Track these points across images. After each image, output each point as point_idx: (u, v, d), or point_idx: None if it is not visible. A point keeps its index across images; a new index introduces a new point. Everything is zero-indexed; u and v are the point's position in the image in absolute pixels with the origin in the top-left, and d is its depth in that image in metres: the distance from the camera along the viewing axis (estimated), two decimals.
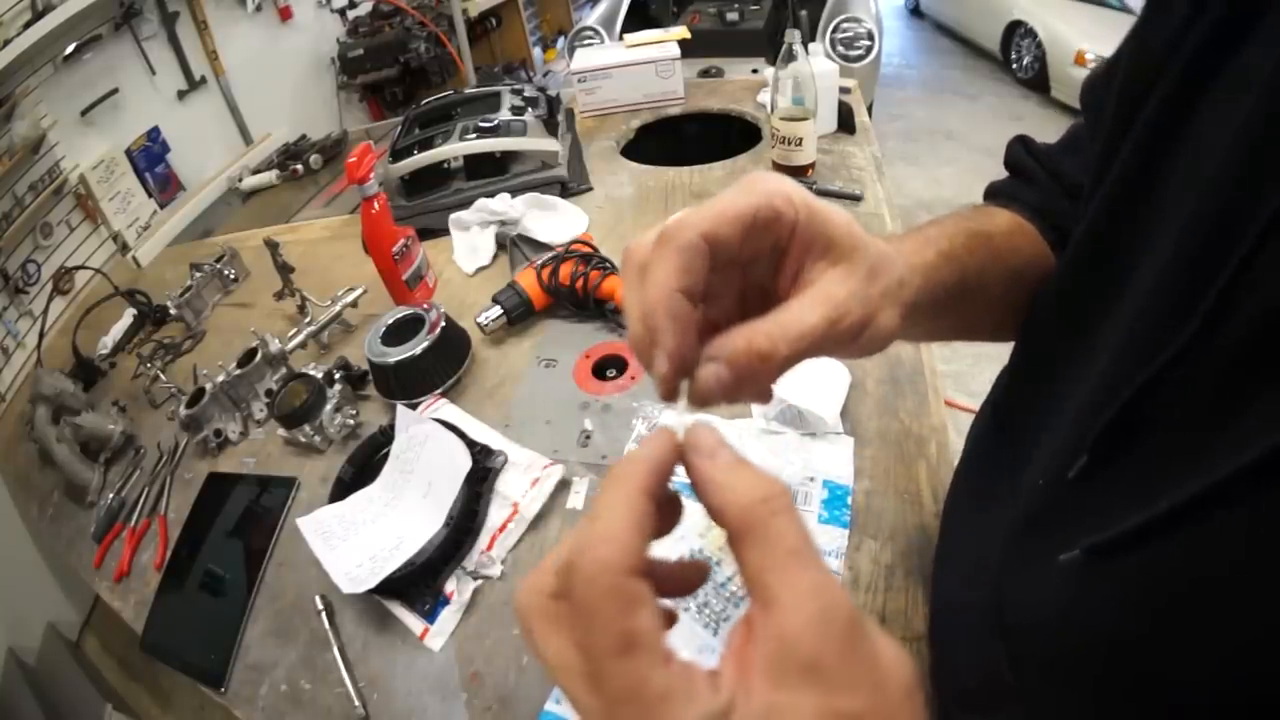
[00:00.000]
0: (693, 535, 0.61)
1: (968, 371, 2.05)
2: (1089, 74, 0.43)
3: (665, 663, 0.19)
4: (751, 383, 0.25)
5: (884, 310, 0.28)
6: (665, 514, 0.23)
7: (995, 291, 0.40)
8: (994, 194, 0.48)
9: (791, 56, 0.98)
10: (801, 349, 0.25)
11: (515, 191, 1.11)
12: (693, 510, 0.69)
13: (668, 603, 0.23)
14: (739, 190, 0.25)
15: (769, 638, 0.18)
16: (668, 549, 0.60)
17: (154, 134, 1.55)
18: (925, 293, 0.33)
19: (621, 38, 1.44)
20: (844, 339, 0.26)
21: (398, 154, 1.17)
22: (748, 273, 0.28)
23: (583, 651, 0.20)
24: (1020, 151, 0.48)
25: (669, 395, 0.25)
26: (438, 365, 0.82)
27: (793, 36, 0.97)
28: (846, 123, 1.18)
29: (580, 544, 0.20)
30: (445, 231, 1.11)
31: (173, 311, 1.11)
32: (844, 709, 0.17)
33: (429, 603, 0.63)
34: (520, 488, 0.69)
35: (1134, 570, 0.26)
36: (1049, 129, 0.48)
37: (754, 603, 0.19)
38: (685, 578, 0.24)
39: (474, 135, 1.15)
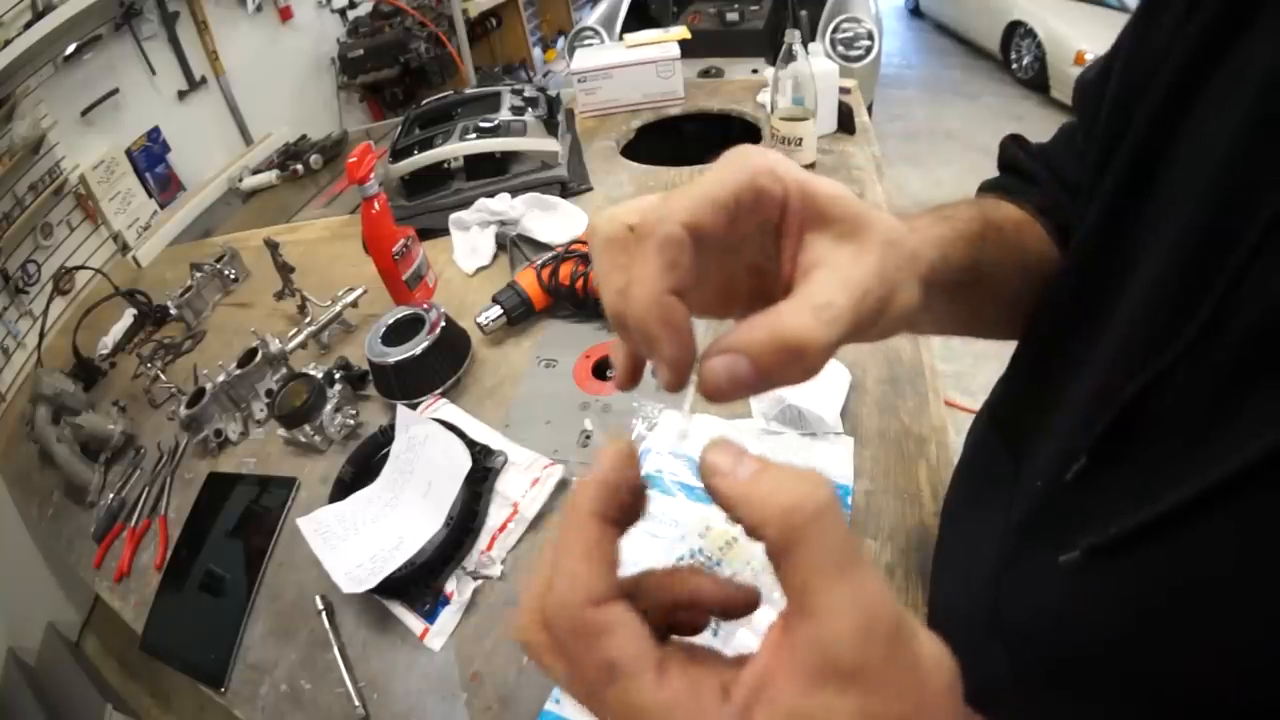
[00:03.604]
0: (693, 535, 0.61)
1: (968, 371, 2.05)
2: (1082, 73, 0.42)
3: (657, 680, 0.18)
4: (779, 379, 0.22)
5: (903, 286, 0.25)
6: (629, 514, 0.22)
7: (1005, 281, 0.39)
8: (992, 190, 0.47)
9: (791, 56, 0.98)
10: (838, 336, 0.22)
11: (515, 191, 1.11)
12: (692, 509, 0.68)
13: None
14: (721, 170, 0.23)
15: (809, 645, 0.18)
16: (668, 548, 0.60)
17: (154, 134, 1.55)
18: (941, 268, 0.31)
19: (621, 38, 1.44)
20: (866, 322, 0.23)
21: (398, 154, 1.17)
22: (736, 255, 0.25)
23: (581, 685, 0.20)
24: (1016, 150, 0.48)
25: (675, 388, 0.23)
26: (438, 365, 0.82)
27: (793, 36, 0.97)
28: (846, 123, 1.18)
29: (544, 584, 0.20)
30: (445, 231, 1.11)
31: (173, 311, 1.11)
32: (882, 713, 0.17)
33: (429, 603, 0.63)
34: (520, 488, 0.69)
35: (1134, 570, 0.26)
36: (1049, 129, 0.47)
37: (792, 609, 0.18)
38: (732, 601, 0.22)
39: (474, 135, 1.15)
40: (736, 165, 0.23)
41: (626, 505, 0.21)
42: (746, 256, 0.26)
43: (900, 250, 0.25)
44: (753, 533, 0.19)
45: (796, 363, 0.22)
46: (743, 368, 0.21)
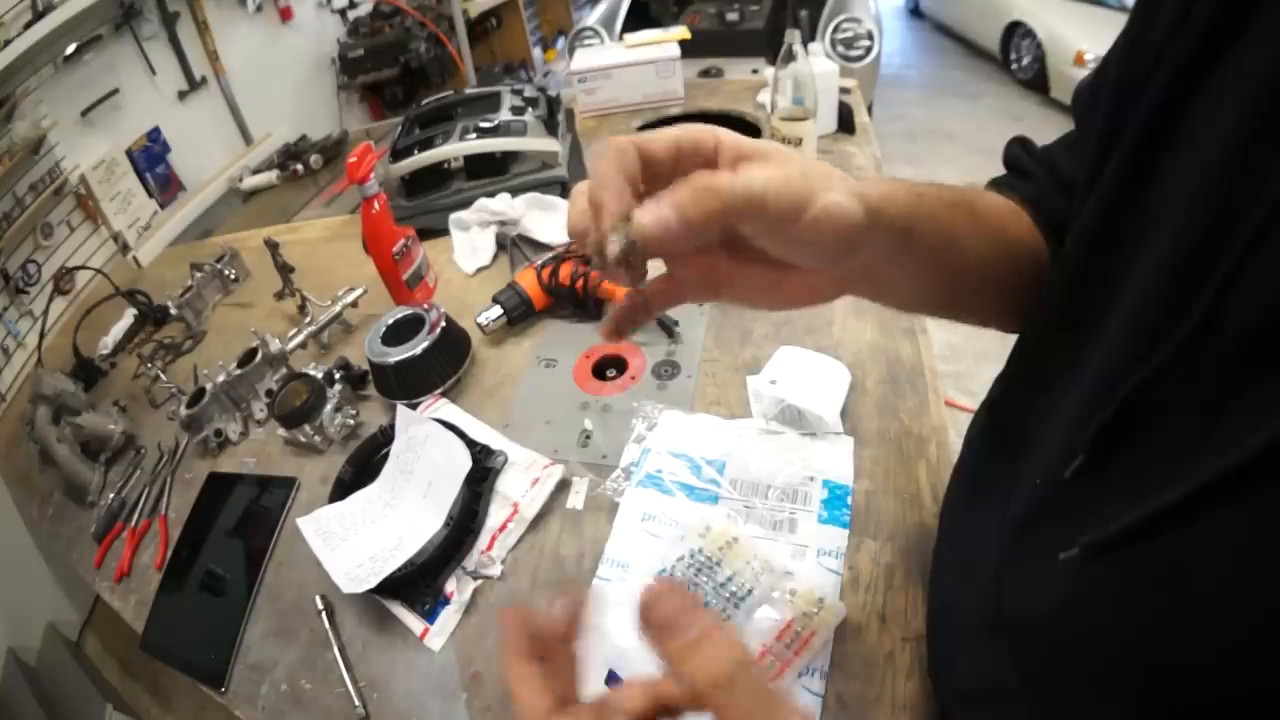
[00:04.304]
0: (693, 535, 0.61)
1: (968, 371, 2.05)
2: (1079, 82, 0.43)
3: None
4: (700, 221, 0.27)
5: (825, 188, 0.29)
6: (566, 639, 0.29)
7: (979, 253, 0.40)
8: (992, 187, 0.49)
9: (791, 56, 0.98)
10: (746, 195, 0.27)
11: (515, 191, 1.11)
12: (692, 509, 0.68)
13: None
14: (670, 127, 0.31)
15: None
16: (668, 549, 0.60)
17: (154, 134, 1.55)
18: (883, 205, 0.33)
19: (621, 38, 1.44)
20: (788, 206, 0.28)
21: (398, 154, 1.17)
22: (711, 247, 0.33)
23: None
24: (1017, 150, 0.49)
25: (601, 253, 0.29)
26: (438, 365, 0.82)
27: (793, 36, 0.97)
28: (846, 123, 1.18)
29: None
30: (445, 231, 1.11)
31: (173, 311, 1.11)
32: None
33: (429, 603, 0.63)
34: (520, 488, 0.69)
35: (1134, 567, 0.26)
36: (1049, 129, 0.48)
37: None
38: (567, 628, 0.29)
39: (474, 135, 1.15)
40: (681, 125, 0.31)
41: (549, 647, 0.28)
42: (718, 248, 0.33)
43: (822, 169, 0.31)
44: (679, 683, 0.25)
45: (711, 199, 0.27)
46: (666, 210, 0.27)
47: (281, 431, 0.83)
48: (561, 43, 3.42)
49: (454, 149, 1.14)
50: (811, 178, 0.29)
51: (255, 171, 1.65)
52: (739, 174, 0.28)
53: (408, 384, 0.81)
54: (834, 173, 0.31)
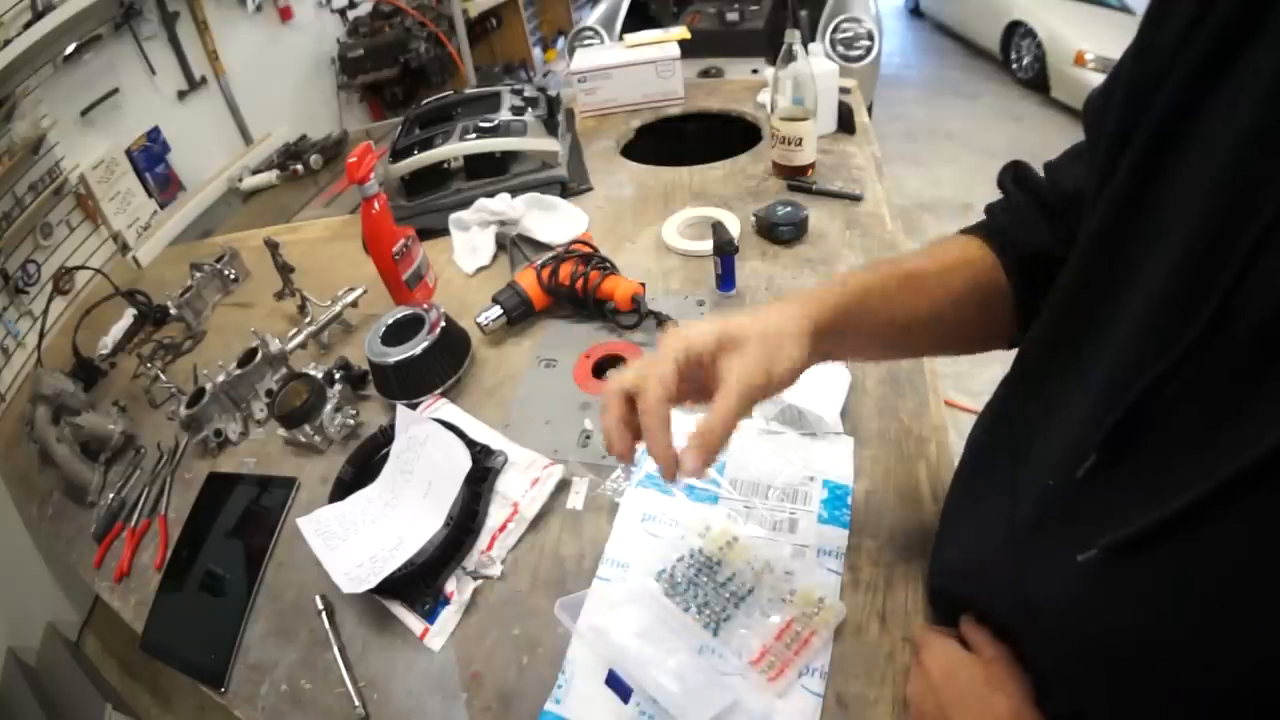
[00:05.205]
0: (693, 535, 0.61)
1: (968, 371, 2.05)
2: (1091, 91, 0.43)
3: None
4: (714, 452, 0.40)
5: (781, 351, 0.41)
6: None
7: (923, 313, 0.47)
8: (966, 231, 0.53)
9: (791, 56, 0.98)
10: (732, 421, 0.40)
11: (515, 191, 1.11)
12: (692, 510, 0.68)
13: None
14: (664, 351, 0.42)
15: None
16: (668, 549, 0.60)
17: (154, 134, 1.55)
18: (830, 313, 0.44)
19: (621, 38, 1.44)
20: (761, 391, 0.41)
21: (398, 154, 1.17)
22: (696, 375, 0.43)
23: None
24: (1004, 176, 0.52)
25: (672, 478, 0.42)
26: (438, 365, 0.82)
27: (793, 36, 0.97)
28: (846, 123, 1.18)
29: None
30: (445, 231, 1.11)
31: (173, 311, 1.11)
32: None
33: (429, 603, 0.63)
34: (520, 488, 0.69)
35: (1153, 566, 0.26)
36: (1049, 129, 0.48)
37: None
38: None
39: (474, 135, 1.15)
40: (669, 345, 0.42)
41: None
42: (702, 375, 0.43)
43: (771, 337, 0.41)
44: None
45: (717, 438, 0.40)
46: (704, 455, 0.40)
47: (281, 431, 0.83)
48: (561, 43, 3.43)
49: (454, 149, 1.14)
50: (762, 360, 0.41)
51: (255, 171, 1.65)
52: (727, 399, 0.40)
53: (408, 384, 0.81)
54: (773, 335, 0.41)
